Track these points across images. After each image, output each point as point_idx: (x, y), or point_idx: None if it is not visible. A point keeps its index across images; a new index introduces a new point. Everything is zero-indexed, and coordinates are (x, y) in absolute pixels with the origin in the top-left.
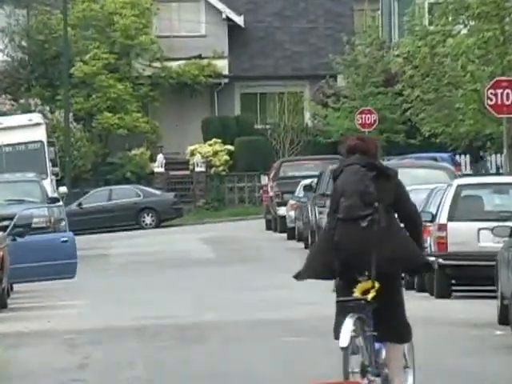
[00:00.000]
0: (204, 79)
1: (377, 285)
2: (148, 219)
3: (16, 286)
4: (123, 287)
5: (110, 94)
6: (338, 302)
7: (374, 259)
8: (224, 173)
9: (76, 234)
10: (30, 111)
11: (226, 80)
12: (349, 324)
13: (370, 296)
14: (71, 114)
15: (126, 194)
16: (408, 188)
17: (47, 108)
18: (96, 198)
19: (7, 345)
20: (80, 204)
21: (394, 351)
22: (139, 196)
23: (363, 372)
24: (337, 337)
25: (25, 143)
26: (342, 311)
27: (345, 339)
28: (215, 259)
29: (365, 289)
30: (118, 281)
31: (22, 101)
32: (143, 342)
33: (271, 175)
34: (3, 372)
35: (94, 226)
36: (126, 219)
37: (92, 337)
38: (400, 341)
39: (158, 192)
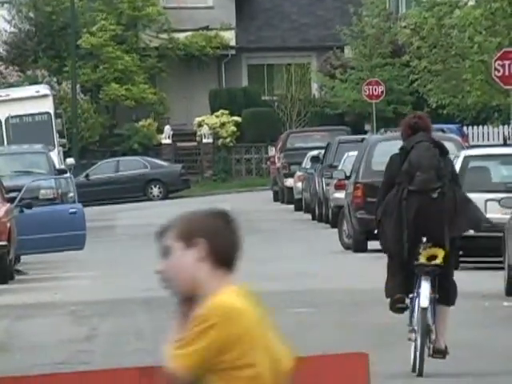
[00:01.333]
0: (211, 51)
1: (443, 252)
2: (155, 191)
3: (24, 258)
4: (131, 259)
5: (117, 66)
6: (417, 265)
7: (446, 227)
8: (231, 144)
9: (84, 206)
10: (37, 83)
11: (233, 51)
12: (427, 287)
13: (438, 261)
14: (78, 86)
15: (133, 166)
16: None
17: (54, 79)
18: (103, 170)
19: (15, 316)
20: (87, 175)
21: (444, 313)
22: (146, 167)
23: (428, 332)
24: (390, 296)
25: (32, 115)
26: (405, 273)
27: (425, 301)
28: None
29: (430, 255)
30: (126, 252)
31: (29, 72)
32: (151, 313)
33: (278, 146)
34: (11, 343)
35: (102, 198)
36: (133, 191)
37: (99, 308)
38: (450, 303)
39: (165, 163)
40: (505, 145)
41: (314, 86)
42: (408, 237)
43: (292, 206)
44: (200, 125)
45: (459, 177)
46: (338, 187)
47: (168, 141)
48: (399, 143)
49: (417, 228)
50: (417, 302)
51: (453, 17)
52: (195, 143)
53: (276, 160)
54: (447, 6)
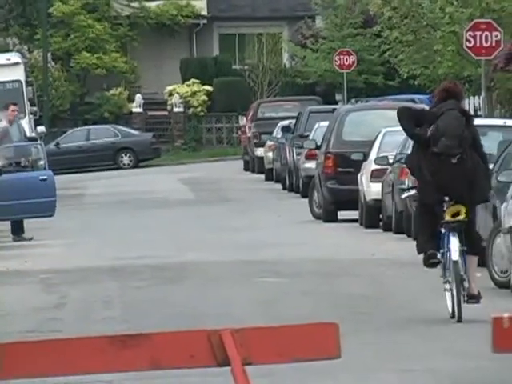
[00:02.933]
0: (182, 19)
1: (464, 208)
2: (126, 159)
3: None
4: (101, 227)
5: (88, 34)
6: (443, 223)
7: (465, 187)
8: (202, 113)
9: (54, 174)
10: (7, 51)
11: (205, 21)
12: (455, 241)
13: (462, 217)
14: (49, 54)
15: (103, 134)
16: (385, 130)
17: (25, 47)
18: (74, 138)
19: None
20: (58, 144)
21: (472, 262)
22: (117, 136)
23: (462, 281)
24: (422, 251)
25: (2, 82)
26: (433, 231)
27: (455, 254)
28: (194, 200)
29: (454, 212)
30: (96, 221)
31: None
32: (120, 281)
33: (249, 116)
34: None
35: (72, 166)
36: (103, 159)
37: (69, 277)
38: (477, 253)
39: (136, 132)
40: (475, 116)
41: (285, 56)
42: (431, 192)
43: (263, 176)
44: (171, 94)
45: (481, 144)
46: (309, 157)
47: (139, 109)
48: (370, 113)
49: (438, 188)
50: (448, 256)
51: None
52: (166, 112)
53: (247, 129)
54: None
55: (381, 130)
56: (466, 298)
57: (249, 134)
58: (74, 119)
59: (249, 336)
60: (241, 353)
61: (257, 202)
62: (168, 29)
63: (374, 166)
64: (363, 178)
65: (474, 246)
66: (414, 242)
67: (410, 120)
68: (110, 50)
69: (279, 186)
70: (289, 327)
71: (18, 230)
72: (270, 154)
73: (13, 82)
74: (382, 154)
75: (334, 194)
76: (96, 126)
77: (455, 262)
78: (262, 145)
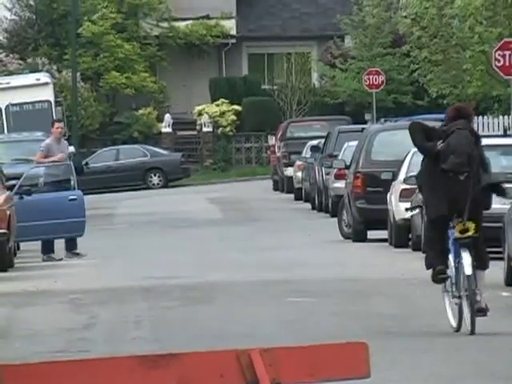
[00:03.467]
0: (212, 39)
1: (473, 224)
2: (155, 179)
3: (23, 245)
4: (130, 247)
5: (117, 54)
6: (456, 239)
7: (470, 203)
8: (231, 133)
9: (83, 194)
10: (37, 71)
11: (234, 40)
12: (467, 256)
13: (471, 233)
14: (78, 74)
15: (133, 154)
16: (414, 149)
17: (55, 67)
18: (103, 158)
19: (14, 304)
20: (87, 163)
21: (482, 276)
22: (146, 156)
23: (474, 295)
24: (430, 267)
25: (32, 103)
26: (442, 247)
27: (469, 269)
28: (222, 219)
29: (462, 228)
30: (125, 241)
31: (29, 60)
32: (150, 301)
33: (278, 136)
34: (10, 331)
35: (101, 186)
36: (133, 179)
37: (98, 296)
38: (485, 268)
39: (165, 152)
40: (505, 135)
41: (315, 76)
42: (434, 206)
43: (292, 196)
44: (200, 113)
45: (488, 163)
46: (338, 177)
47: (168, 129)
48: (399, 133)
49: (447, 203)
50: (460, 271)
51: (453, 7)
52: (195, 132)
53: (276, 149)
54: None
55: (410, 150)
56: (474, 311)
57: (278, 154)
58: (103, 139)
59: (278, 355)
60: (270, 372)
61: (286, 222)
62: (197, 49)
63: (403, 186)
64: (392, 197)
65: (482, 261)
66: None
67: (420, 134)
68: (139, 69)
69: (308, 205)
70: (318, 347)
71: (48, 250)
72: (299, 174)
73: (42, 102)
74: (410, 174)
75: (364, 213)
76: (125, 146)
77: (469, 277)
78: (291, 164)
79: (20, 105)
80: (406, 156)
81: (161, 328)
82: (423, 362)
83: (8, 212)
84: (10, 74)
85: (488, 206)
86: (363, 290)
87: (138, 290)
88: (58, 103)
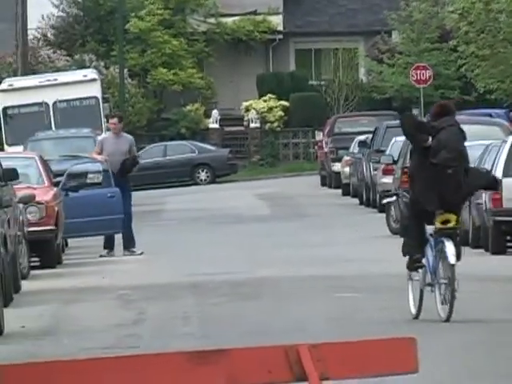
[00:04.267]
0: (259, 35)
1: (455, 216)
2: (203, 175)
3: (71, 242)
4: (178, 243)
5: (164, 50)
6: (439, 229)
7: (455, 196)
8: (278, 129)
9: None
10: (84, 67)
11: (281, 36)
12: (451, 246)
13: (452, 224)
14: (126, 70)
15: (180, 150)
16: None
17: (102, 64)
18: (151, 154)
19: (62, 300)
20: (137, 157)
21: (455, 267)
22: (194, 152)
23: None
24: (407, 254)
25: (79, 99)
26: (422, 236)
27: (452, 258)
28: (270, 215)
29: (443, 220)
30: (173, 236)
31: (76, 56)
32: (198, 297)
33: (326, 131)
34: (59, 327)
35: (149, 182)
36: (180, 175)
37: (147, 292)
38: (459, 259)
39: (212, 148)
40: None
41: (362, 71)
42: (427, 199)
43: (339, 191)
44: (247, 109)
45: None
46: (386, 172)
47: (215, 125)
48: None
49: (434, 195)
50: (441, 260)
51: (500, 1)
52: (242, 128)
53: (323, 145)
54: None
55: None
56: (442, 299)
57: (325, 149)
58: (151, 135)
59: (326, 351)
60: (318, 368)
61: (333, 218)
62: (244, 44)
63: None
64: None
65: (458, 253)
66: (493, 257)
67: (412, 126)
68: (186, 65)
69: (356, 201)
70: (366, 342)
71: (111, 246)
72: (347, 169)
73: (89, 98)
74: None
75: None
76: (173, 142)
77: (452, 266)
78: (338, 160)
79: (67, 101)
80: None
81: (209, 324)
82: (469, 360)
83: (56, 208)
84: (58, 70)
85: (476, 187)
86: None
87: (187, 286)
88: (105, 100)
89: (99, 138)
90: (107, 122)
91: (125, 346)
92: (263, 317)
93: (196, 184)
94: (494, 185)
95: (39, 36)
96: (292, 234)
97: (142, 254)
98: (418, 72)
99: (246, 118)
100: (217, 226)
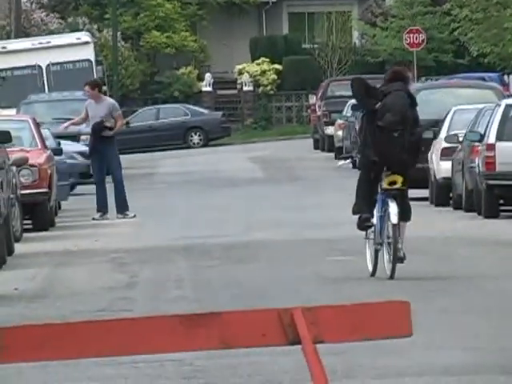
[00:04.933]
0: None
1: (401, 178)
2: (196, 138)
3: (64, 204)
4: (171, 206)
5: (158, 13)
6: (384, 189)
7: (402, 159)
8: (272, 92)
9: (123, 153)
10: (77, 30)
11: None
12: (394, 206)
13: (398, 185)
14: (119, 33)
15: (173, 113)
16: (455, 108)
17: (95, 27)
18: (144, 117)
19: (55, 263)
20: (128, 123)
21: (403, 227)
22: (187, 115)
23: (397, 243)
24: (357, 213)
25: (73, 62)
26: (371, 197)
27: (395, 217)
28: (263, 178)
29: (391, 181)
30: (166, 200)
31: (69, 19)
32: (191, 261)
33: (319, 94)
34: (51, 290)
35: (142, 145)
36: (173, 138)
37: (140, 256)
38: (407, 219)
39: (205, 111)
40: None
41: (355, 34)
42: (372, 160)
43: (332, 154)
44: (241, 72)
45: (419, 121)
46: None
47: (208, 88)
48: (440, 91)
49: (379, 157)
50: (386, 220)
51: None
52: (236, 91)
53: (317, 108)
54: None
55: (451, 108)
56: (393, 259)
57: (318, 113)
58: (144, 98)
59: (320, 314)
60: (312, 331)
61: (326, 181)
62: (237, 8)
63: (444, 145)
64: (433, 156)
65: (407, 214)
66: (485, 221)
67: (361, 88)
68: (179, 29)
69: (349, 164)
70: (360, 305)
71: (103, 207)
72: (340, 133)
73: (83, 61)
74: (452, 132)
75: None
76: (166, 105)
77: (394, 225)
78: (331, 123)
79: (60, 64)
80: (447, 114)
81: (202, 287)
82: (464, 322)
83: (49, 171)
84: (51, 33)
85: (414, 164)
86: (404, 249)
87: (179, 250)
88: (98, 62)
89: (86, 102)
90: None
91: (117, 309)
92: (257, 280)
93: (189, 147)
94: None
95: None
96: (285, 197)
97: (134, 216)
98: (412, 35)
99: (239, 82)
100: (210, 189)
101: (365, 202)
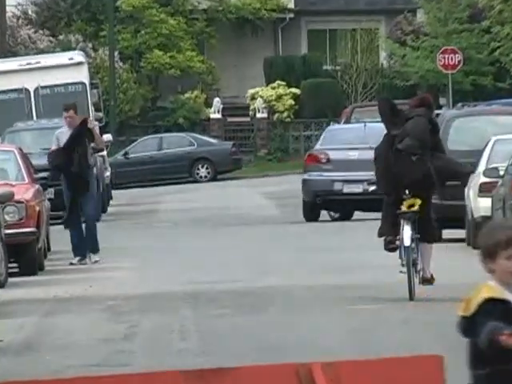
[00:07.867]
0: (266, 14)
1: (419, 201)
2: (203, 171)
3: (54, 246)
4: (174, 247)
5: (160, 30)
6: (399, 213)
7: (421, 183)
8: (288, 119)
9: (122, 188)
10: (70, 49)
11: (292, 15)
12: (408, 229)
13: (415, 208)
14: (117, 53)
15: (178, 143)
16: (495, 138)
17: (90, 45)
18: (144, 147)
19: (44, 311)
20: (126, 153)
21: (426, 249)
22: (193, 145)
23: (414, 264)
24: (381, 235)
25: (64, 85)
26: (394, 219)
27: (407, 240)
28: (278, 217)
29: (410, 204)
30: (169, 240)
31: (61, 37)
32: (197, 309)
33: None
34: (41, 342)
35: (143, 179)
36: (178, 171)
37: (139, 303)
38: (431, 241)
39: (214, 141)
40: None
41: (383, 55)
42: (391, 185)
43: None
44: (253, 97)
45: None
46: None
47: (217, 115)
48: (478, 119)
49: (399, 181)
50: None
51: None
52: (248, 118)
53: None
54: None
55: (490, 138)
56: (420, 281)
57: None
58: (145, 126)
59: (341, 370)
60: None
61: (349, 220)
62: (250, 24)
63: (483, 179)
64: (471, 192)
65: (428, 235)
66: None
67: (387, 109)
68: (184, 48)
69: None
70: (386, 360)
71: (80, 251)
72: None
73: (76, 84)
74: (491, 166)
75: (438, 210)
76: (169, 134)
77: (406, 247)
78: None
79: (51, 87)
80: (486, 145)
81: (209, 339)
82: None
83: (37, 208)
84: (40, 52)
85: (436, 188)
86: (438, 297)
87: (184, 297)
88: (93, 85)
89: (56, 132)
90: (68, 112)
91: (114, 363)
92: (270, 331)
93: (195, 181)
94: (462, 175)
95: (19, 14)
96: (302, 237)
97: (96, 262)
98: (446, 56)
99: (251, 108)
100: (218, 229)
101: (388, 225)
